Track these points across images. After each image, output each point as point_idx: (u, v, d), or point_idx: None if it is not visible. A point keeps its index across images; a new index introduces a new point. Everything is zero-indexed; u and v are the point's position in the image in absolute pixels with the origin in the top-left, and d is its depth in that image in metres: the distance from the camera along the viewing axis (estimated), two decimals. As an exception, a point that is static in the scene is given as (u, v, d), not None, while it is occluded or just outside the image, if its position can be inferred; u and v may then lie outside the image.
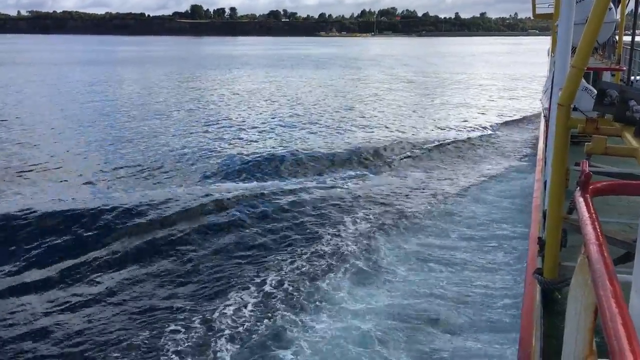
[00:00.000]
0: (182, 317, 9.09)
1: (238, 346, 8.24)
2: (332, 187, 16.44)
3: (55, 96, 35.31)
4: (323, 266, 10.93)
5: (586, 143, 3.69)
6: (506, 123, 28.78)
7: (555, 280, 4.75)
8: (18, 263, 11.12)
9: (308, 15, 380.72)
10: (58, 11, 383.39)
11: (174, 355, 8.07)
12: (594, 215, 2.23)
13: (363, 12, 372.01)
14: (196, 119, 27.28)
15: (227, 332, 8.61)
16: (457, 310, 9.04)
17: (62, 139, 22.72)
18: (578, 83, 4.42)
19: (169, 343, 8.34)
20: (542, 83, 21.31)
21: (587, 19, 5.28)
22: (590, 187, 2.71)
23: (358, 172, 18.44)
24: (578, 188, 2.68)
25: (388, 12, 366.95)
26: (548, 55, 21.83)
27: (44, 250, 11.67)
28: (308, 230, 12.94)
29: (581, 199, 2.47)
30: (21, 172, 17.33)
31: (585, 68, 4.43)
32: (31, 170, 17.60)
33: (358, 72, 61.39)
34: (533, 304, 5.40)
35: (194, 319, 8.97)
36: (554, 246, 4.74)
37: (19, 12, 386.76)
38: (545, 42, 27.21)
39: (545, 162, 8.65)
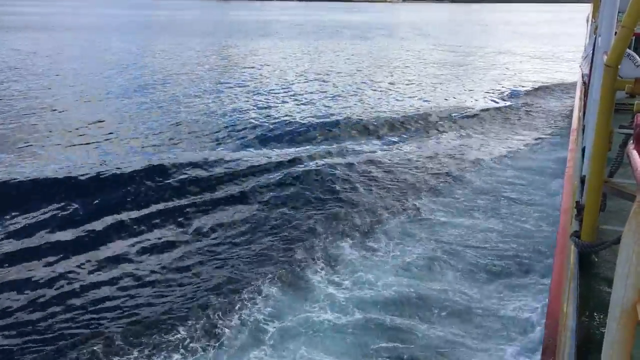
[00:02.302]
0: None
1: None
2: (375, 152, 16.96)
3: (90, 64, 35.55)
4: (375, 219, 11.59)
5: (636, 102, 3.64)
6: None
7: (593, 244, 4.76)
8: (47, 224, 11.42)
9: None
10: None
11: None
12: None
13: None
14: (231, 88, 27.31)
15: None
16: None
17: (97, 106, 23.04)
18: (627, 43, 4.36)
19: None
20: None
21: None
22: None
23: (391, 140, 18.59)
24: (631, 141, 2.69)
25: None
26: (587, 22, 21.31)
27: (82, 209, 12.04)
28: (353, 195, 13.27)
29: (634, 151, 2.48)
30: (47, 136, 17.70)
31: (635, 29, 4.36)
32: (57, 135, 17.97)
33: (388, 41, 60.39)
34: (565, 267, 5.42)
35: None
36: (594, 209, 4.74)
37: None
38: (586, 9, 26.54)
39: (583, 129, 8.55)
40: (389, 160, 15.95)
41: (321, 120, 20.14)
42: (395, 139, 18.68)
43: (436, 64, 39.28)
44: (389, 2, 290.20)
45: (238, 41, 54.24)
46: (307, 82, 29.41)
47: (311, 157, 15.75)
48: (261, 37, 60.88)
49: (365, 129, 19.43)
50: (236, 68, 34.66)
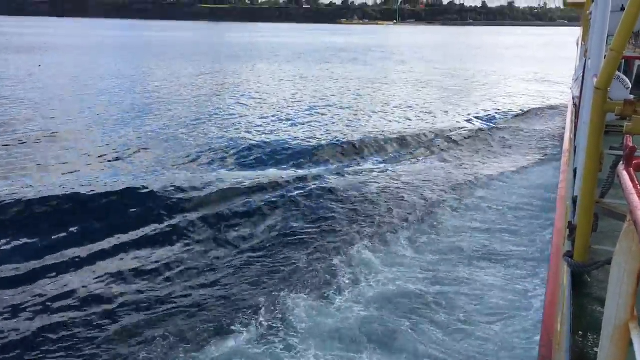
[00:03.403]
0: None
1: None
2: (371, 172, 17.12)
3: (84, 87, 35.56)
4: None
5: (626, 123, 3.71)
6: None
7: (586, 263, 4.80)
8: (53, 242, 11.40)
9: (330, 2, 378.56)
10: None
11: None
12: (638, 186, 2.29)
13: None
14: (226, 109, 27.34)
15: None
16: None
17: (95, 127, 23.04)
18: (616, 67, 4.45)
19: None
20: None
21: (622, 6, 5.26)
22: (634, 162, 2.78)
23: (379, 161, 18.71)
24: (621, 162, 2.75)
25: (412, 0, 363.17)
26: (577, 45, 21.62)
27: (85, 229, 12.01)
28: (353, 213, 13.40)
29: (625, 172, 2.54)
30: (48, 158, 17.68)
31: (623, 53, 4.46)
32: (59, 155, 17.96)
33: (382, 63, 60.91)
34: (559, 287, 5.46)
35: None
36: (586, 229, 4.79)
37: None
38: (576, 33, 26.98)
39: (575, 150, 8.65)
40: (381, 181, 16.02)
41: (316, 141, 20.23)
42: (387, 160, 18.79)
43: (429, 86, 39.63)
44: (381, 24, 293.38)
45: (231, 64, 54.58)
46: (300, 104, 29.57)
47: (309, 177, 15.83)
48: (255, 59, 61.26)
49: (357, 150, 19.52)
50: (231, 90, 34.80)
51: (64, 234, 11.63)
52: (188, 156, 17.98)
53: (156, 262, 10.73)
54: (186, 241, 11.68)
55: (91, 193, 13.60)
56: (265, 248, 11.44)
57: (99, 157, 17.80)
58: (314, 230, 12.34)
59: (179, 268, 10.52)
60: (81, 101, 28.91)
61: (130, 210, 13.02)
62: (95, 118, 24.53)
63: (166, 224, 12.41)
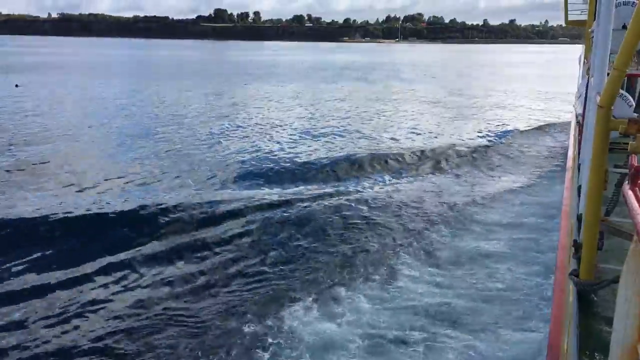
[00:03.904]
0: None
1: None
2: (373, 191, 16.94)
3: (91, 108, 35.46)
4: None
5: (630, 142, 3.70)
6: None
7: (592, 282, 4.76)
8: (47, 263, 11.36)
9: (332, 20, 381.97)
10: (91, 13, 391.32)
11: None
12: None
13: (388, 17, 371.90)
14: (236, 130, 27.22)
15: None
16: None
17: (97, 147, 23.02)
18: (619, 85, 4.44)
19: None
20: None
21: (624, 24, 5.25)
22: None
23: (390, 178, 18.75)
24: (627, 182, 2.74)
25: (414, 18, 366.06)
26: (579, 62, 21.70)
27: (85, 249, 11.94)
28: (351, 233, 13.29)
29: (630, 192, 2.53)
30: (49, 175, 17.70)
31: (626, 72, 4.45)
32: (61, 174, 17.97)
33: (381, 82, 61.17)
34: (565, 306, 5.41)
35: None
36: (592, 247, 4.76)
37: (49, 14, 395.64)
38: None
39: (579, 167, 8.63)
40: (383, 198, 15.97)
41: (323, 159, 20.22)
42: (395, 177, 18.76)
43: (432, 104, 39.69)
44: (383, 42, 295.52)
45: (236, 83, 54.79)
46: (306, 122, 29.63)
47: (315, 196, 15.82)
48: (260, 78, 61.46)
49: (364, 168, 19.51)
50: (238, 110, 34.79)
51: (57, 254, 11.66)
52: (189, 176, 17.97)
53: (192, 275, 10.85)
54: (177, 263, 11.67)
55: (80, 214, 13.55)
56: (279, 262, 11.44)
57: (93, 179, 17.75)
58: (313, 247, 12.33)
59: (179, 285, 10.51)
60: (85, 125, 29.01)
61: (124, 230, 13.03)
62: (99, 138, 24.67)
63: (170, 242, 12.42)
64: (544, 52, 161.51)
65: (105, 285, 10.40)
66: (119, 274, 10.83)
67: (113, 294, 10.10)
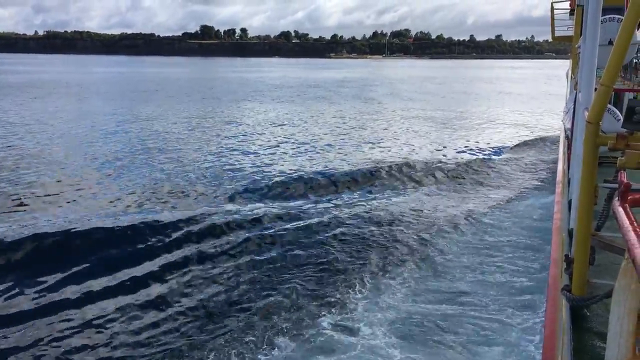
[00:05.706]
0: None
1: None
2: (369, 205, 17.00)
3: (82, 127, 35.27)
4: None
5: (619, 158, 3.71)
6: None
7: (584, 297, 4.75)
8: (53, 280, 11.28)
9: (319, 36, 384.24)
10: (76, 30, 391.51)
11: None
12: (634, 222, 2.27)
13: (375, 33, 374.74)
14: (227, 146, 27.25)
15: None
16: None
17: (87, 164, 22.92)
18: (607, 101, 4.46)
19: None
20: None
21: (610, 40, 5.29)
22: (629, 197, 2.76)
23: (378, 193, 18.79)
24: (616, 198, 2.73)
25: (401, 34, 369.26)
26: (567, 77, 21.92)
27: (89, 264, 11.91)
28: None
29: (620, 208, 2.52)
30: (48, 195, 17.62)
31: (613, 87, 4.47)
32: (58, 193, 17.89)
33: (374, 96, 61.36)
34: (558, 321, 5.39)
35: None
36: (583, 263, 4.75)
37: (36, 32, 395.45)
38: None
39: (569, 181, 8.67)
40: (375, 213, 15.97)
41: (310, 175, 20.25)
42: (383, 192, 18.82)
43: (423, 119, 39.93)
44: (369, 58, 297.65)
45: (226, 100, 54.77)
46: (295, 140, 29.69)
47: (310, 211, 15.86)
48: (251, 95, 61.57)
49: (352, 183, 19.53)
50: (229, 127, 34.79)
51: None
52: (183, 192, 17.98)
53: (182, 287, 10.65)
54: (174, 275, 11.57)
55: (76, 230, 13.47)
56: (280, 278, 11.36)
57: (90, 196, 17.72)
58: (312, 260, 12.30)
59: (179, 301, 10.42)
60: (80, 143, 28.85)
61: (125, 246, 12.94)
62: (86, 156, 24.58)
63: (168, 258, 12.35)
64: (530, 67, 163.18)
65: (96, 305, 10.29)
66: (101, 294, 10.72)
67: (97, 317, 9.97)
